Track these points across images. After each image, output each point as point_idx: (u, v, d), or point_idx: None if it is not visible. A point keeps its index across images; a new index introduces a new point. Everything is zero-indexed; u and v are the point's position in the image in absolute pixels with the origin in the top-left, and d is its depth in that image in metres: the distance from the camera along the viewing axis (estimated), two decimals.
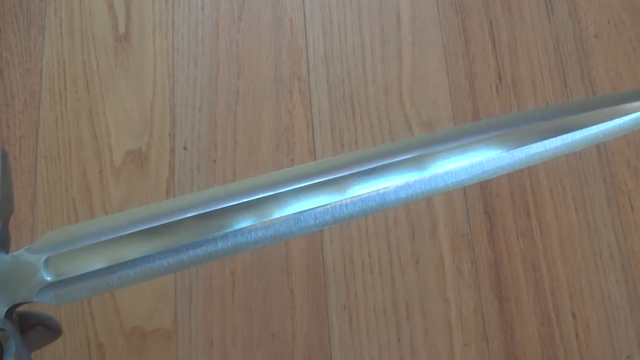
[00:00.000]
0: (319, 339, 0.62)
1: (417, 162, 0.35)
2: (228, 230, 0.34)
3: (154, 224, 0.33)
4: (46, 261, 0.33)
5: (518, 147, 0.36)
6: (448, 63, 0.72)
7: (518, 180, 0.68)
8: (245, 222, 0.34)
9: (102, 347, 0.62)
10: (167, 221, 0.33)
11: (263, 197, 0.34)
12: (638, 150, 0.69)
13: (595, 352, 0.62)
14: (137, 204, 0.67)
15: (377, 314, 0.63)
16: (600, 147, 0.69)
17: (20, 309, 0.34)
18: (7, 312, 0.32)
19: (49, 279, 0.33)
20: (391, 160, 0.35)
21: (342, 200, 0.34)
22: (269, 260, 0.64)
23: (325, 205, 0.34)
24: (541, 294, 0.64)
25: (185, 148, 0.69)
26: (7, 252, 0.34)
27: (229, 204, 0.34)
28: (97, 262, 0.33)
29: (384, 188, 0.35)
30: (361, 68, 0.72)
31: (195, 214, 0.34)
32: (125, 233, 0.33)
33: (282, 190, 0.34)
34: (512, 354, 0.62)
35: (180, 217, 0.34)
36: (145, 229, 0.33)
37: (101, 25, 0.73)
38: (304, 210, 0.34)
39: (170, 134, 0.69)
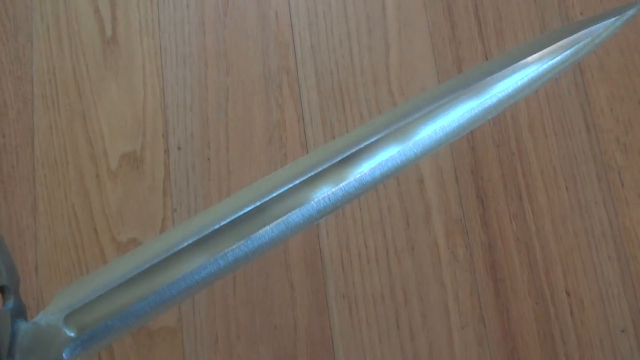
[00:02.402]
0: (320, 329, 0.64)
1: (401, 133, 0.38)
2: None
3: (156, 260, 0.36)
4: (65, 319, 0.35)
5: (486, 95, 0.39)
6: (435, 48, 0.72)
7: (509, 163, 0.68)
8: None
9: (110, 347, 0.64)
10: (168, 254, 0.36)
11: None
12: (627, 126, 0.69)
13: (590, 328, 0.64)
14: (135, 206, 0.68)
15: (376, 302, 0.65)
16: (590, 126, 0.69)
17: None
18: None
19: (72, 335, 0.35)
20: (375, 138, 0.38)
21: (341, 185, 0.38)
22: (268, 255, 0.66)
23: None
24: (535, 274, 0.65)
25: (179, 148, 0.70)
26: (25, 319, 0.36)
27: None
28: (113, 307, 0.35)
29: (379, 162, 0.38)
30: (349, 58, 0.72)
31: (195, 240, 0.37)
32: (133, 274, 0.36)
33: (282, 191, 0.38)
34: (509, 334, 0.64)
35: (180, 247, 0.37)
36: (150, 267, 0.36)
37: (88, 29, 0.74)
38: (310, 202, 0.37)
39: (163, 135, 0.70)
